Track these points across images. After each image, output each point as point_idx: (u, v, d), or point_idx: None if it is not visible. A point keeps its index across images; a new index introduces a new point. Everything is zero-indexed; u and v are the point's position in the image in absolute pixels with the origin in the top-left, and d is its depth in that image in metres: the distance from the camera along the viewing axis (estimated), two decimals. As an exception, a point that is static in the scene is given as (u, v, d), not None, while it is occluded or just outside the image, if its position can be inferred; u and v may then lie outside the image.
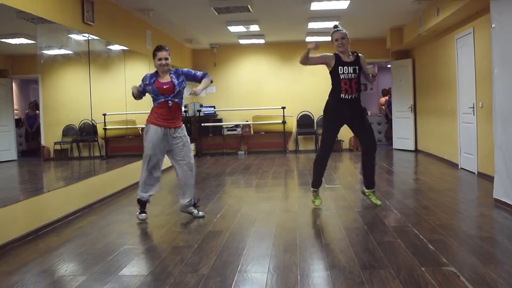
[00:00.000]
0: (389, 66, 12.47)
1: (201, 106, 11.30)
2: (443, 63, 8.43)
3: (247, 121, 11.48)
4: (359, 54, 4.86)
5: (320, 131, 9.25)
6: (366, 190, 5.09)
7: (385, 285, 2.82)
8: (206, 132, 11.41)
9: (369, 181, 5.04)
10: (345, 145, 11.34)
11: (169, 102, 4.51)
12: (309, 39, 10.29)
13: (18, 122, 5.97)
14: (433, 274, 2.95)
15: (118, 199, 6.04)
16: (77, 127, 6.30)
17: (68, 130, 6.14)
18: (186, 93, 4.93)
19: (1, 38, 4.84)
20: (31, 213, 4.40)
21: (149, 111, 4.62)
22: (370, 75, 4.83)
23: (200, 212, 4.78)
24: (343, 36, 4.73)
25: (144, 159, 4.58)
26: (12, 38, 5.05)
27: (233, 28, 9.09)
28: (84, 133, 6.48)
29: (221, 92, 11.68)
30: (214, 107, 11.54)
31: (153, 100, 4.60)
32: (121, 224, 4.75)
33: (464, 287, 2.76)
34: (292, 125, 11.50)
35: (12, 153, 5.45)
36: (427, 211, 4.72)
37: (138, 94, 4.65)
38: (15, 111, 5.73)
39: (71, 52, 5.94)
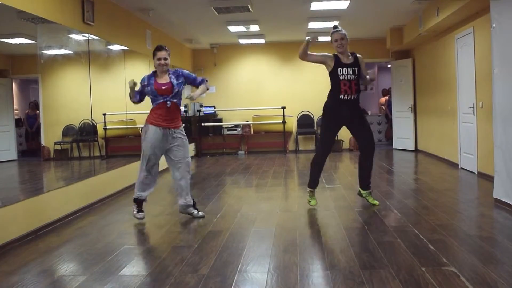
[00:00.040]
0: (389, 66, 12.48)
1: (201, 106, 11.30)
2: (443, 63, 8.43)
3: (247, 121, 11.48)
4: (358, 55, 4.86)
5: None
6: (362, 192, 5.10)
7: (385, 285, 2.83)
8: (206, 132, 11.41)
9: (364, 182, 5.05)
10: (345, 145, 11.34)
11: (168, 102, 4.51)
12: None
13: (18, 122, 5.97)
14: (433, 274, 2.95)
15: (118, 199, 6.04)
16: (77, 127, 6.30)
17: (68, 130, 6.14)
18: (184, 94, 4.92)
19: (1, 38, 4.84)
20: (31, 213, 4.40)
21: (149, 111, 4.62)
22: (368, 78, 4.83)
23: (200, 212, 4.78)
24: (342, 36, 4.74)
25: (143, 159, 4.58)
26: (12, 38, 5.05)
27: (233, 28, 9.09)
28: (84, 133, 6.48)
29: (221, 92, 11.69)
30: (214, 107, 11.54)
31: (151, 101, 4.59)
32: (121, 224, 4.75)
33: (464, 287, 2.76)
34: (292, 125, 11.49)
35: (12, 153, 5.45)
36: (427, 211, 4.72)
37: (134, 94, 4.54)
38: (15, 111, 5.73)
39: (71, 52, 5.94)
